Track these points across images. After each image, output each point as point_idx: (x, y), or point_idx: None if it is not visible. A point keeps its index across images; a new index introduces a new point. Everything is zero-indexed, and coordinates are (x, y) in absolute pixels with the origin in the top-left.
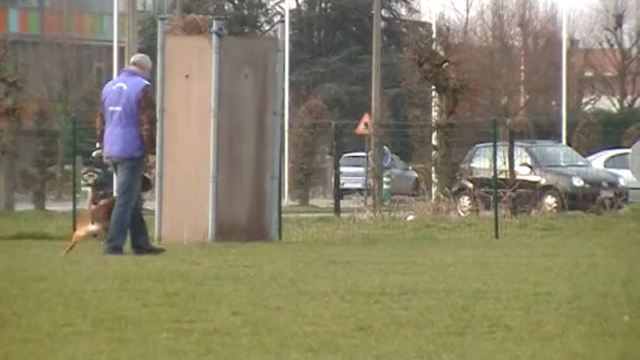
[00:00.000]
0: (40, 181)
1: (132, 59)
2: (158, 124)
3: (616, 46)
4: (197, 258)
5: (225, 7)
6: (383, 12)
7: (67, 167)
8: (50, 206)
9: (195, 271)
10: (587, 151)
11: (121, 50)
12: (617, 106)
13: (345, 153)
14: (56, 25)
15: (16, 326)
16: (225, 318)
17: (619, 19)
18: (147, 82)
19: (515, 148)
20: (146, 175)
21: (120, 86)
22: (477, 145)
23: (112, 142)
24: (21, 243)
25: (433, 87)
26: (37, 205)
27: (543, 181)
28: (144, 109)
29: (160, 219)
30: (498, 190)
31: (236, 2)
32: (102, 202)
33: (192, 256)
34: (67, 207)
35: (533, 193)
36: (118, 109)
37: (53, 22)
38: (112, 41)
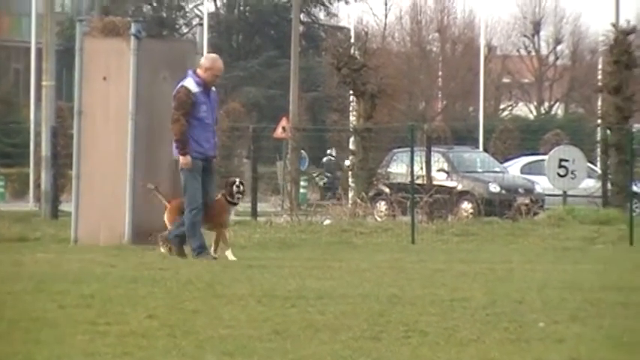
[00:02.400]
0: None
1: None
2: (75, 126)
3: (533, 53)
4: (114, 260)
5: (144, 10)
6: (302, 16)
7: None
8: None
9: (111, 273)
10: (503, 157)
11: (39, 51)
12: (534, 112)
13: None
14: None
15: None
16: (141, 320)
17: (537, 26)
18: (182, 83)
19: (432, 153)
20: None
21: None
22: (395, 150)
23: None
24: None
25: (351, 91)
26: None
27: (460, 187)
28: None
29: (76, 220)
30: (415, 196)
31: (155, 5)
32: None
33: (108, 258)
34: None
35: (449, 198)
36: None
37: None
38: (29, 42)
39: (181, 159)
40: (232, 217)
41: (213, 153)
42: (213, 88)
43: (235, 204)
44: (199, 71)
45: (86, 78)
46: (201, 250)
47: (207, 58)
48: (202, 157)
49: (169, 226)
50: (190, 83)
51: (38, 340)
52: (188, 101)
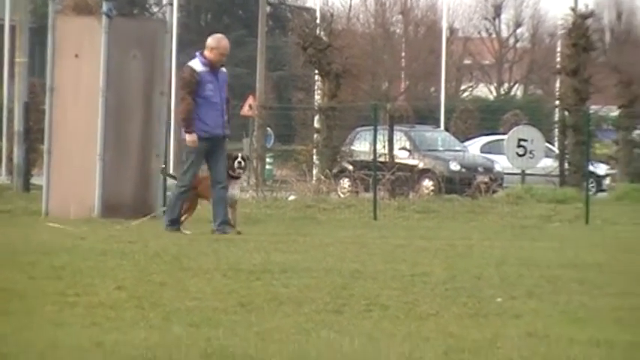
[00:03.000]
0: None
1: None
2: (47, 102)
3: (494, 36)
4: (83, 233)
5: None
6: None
7: None
8: None
9: (81, 246)
10: (464, 136)
11: (12, 29)
12: (494, 93)
13: None
14: None
15: None
16: (110, 292)
17: (497, 9)
18: (188, 63)
19: (394, 132)
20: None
21: None
22: (358, 129)
23: None
24: None
25: (316, 71)
26: None
27: (421, 165)
28: None
29: (47, 194)
30: (378, 173)
31: None
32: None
33: (78, 230)
34: None
35: (411, 176)
36: None
37: None
38: (3, 20)
39: (187, 137)
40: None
41: (221, 132)
42: (223, 69)
43: (237, 177)
44: (205, 51)
45: (58, 55)
46: (172, 224)
47: (213, 38)
48: (208, 135)
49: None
50: (196, 63)
51: (7, 311)
52: (193, 80)
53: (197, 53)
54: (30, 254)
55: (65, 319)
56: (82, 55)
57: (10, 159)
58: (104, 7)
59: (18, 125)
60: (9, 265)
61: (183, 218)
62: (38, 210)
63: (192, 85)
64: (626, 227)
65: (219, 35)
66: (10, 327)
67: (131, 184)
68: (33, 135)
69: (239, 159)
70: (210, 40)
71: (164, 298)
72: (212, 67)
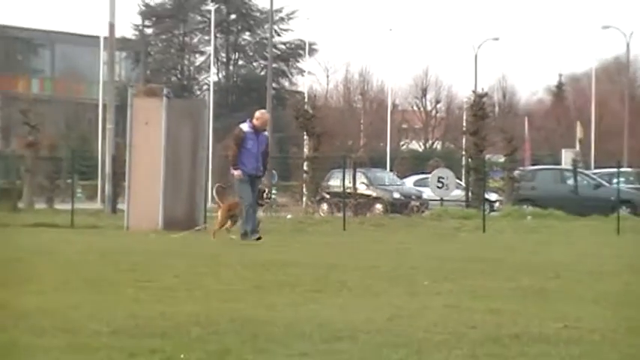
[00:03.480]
0: (50, 189)
1: None
2: (127, 154)
3: (422, 109)
4: (151, 240)
5: (172, 79)
6: (273, 84)
7: (68, 181)
8: (57, 205)
9: (150, 249)
10: (402, 175)
11: (104, 106)
12: (422, 147)
13: None
14: (62, 88)
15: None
16: (169, 279)
17: (424, 91)
18: (240, 125)
19: (357, 172)
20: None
21: None
22: (332, 170)
23: None
24: (38, 229)
25: (305, 133)
26: (48, 204)
27: (374, 194)
28: None
29: (128, 214)
30: (346, 200)
31: (179, 76)
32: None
33: (148, 238)
34: (68, 206)
35: (367, 202)
36: None
37: (60, 86)
38: (98, 100)
39: (235, 173)
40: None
41: (255, 172)
42: (265, 133)
43: (262, 205)
44: (253, 119)
45: (134, 123)
46: (247, 233)
47: (260, 112)
48: (246, 173)
49: (219, 219)
50: (244, 125)
51: (102, 292)
52: (240, 136)
53: (247, 120)
54: (115, 254)
55: (140, 297)
56: (150, 123)
57: (103, 191)
58: (164, 92)
59: (108, 169)
60: (101, 262)
61: (226, 227)
62: (122, 225)
63: (238, 140)
64: (510, 235)
65: (263, 110)
66: (104, 302)
67: (182, 208)
68: (118, 176)
69: (266, 192)
70: (257, 113)
71: (205, 284)
72: (255, 130)
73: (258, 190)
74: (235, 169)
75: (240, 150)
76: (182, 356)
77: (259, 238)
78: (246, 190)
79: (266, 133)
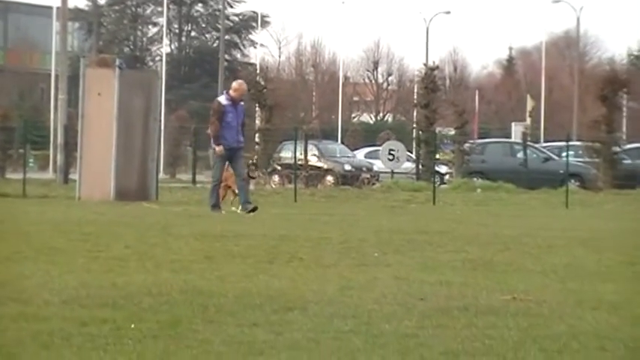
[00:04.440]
0: (2, 159)
1: None
2: (79, 124)
3: (374, 81)
4: (103, 210)
5: (125, 50)
6: (226, 56)
7: (20, 151)
8: (9, 175)
9: (101, 219)
10: (354, 147)
11: (57, 76)
12: (373, 119)
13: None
14: (15, 58)
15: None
16: (120, 250)
17: (375, 64)
18: (217, 98)
19: (308, 144)
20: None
21: None
22: (284, 142)
23: None
24: None
25: (257, 104)
26: (0, 174)
27: (325, 166)
28: None
29: (79, 184)
30: (297, 171)
31: (132, 47)
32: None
33: (100, 209)
34: (19, 176)
35: (318, 174)
36: None
37: (13, 56)
38: (50, 70)
39: (217, 149)
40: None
41: (236, 145)
42: (242, 103)
43: (254, 177)
44: (230, 91)
45: (87, 94)
46: (214, 207)
47: (237, 82)
48: (227, 147)
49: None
50: (222, 99)
51: (54, 262)
52: (220, 110)
53: (224, 91)
54: (67, 224)
55: (91, 267)
56: (103, 93)
57: (55, 162)
58: (117, 62)
59: (60, 139)
60: (53, 232)
61: (231, 200)
62: (73, 196)
63: (219, 114)
64: (460, 207)
65: (240, 81)
66: (56, 272)
67: (134, 178)
68: (70, 146)
69: (253, 164)
70: (235, 84)
71: (156, 254)
72: (233, 102)
73: (247, 165)
74: (217, 144)
75: (220, 124)
76: (133, 326)
77: (255, 209)
78: (221, 167)
79: (242, 103)
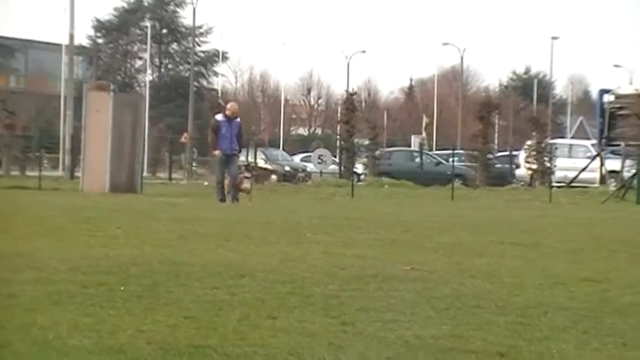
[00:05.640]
0: (23, 160)
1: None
2: (82, 134)
3: (307, 103)
4: (100, 200)
5: (117, 78)
6: (194, 83)
7: (37, 154)
8: (28, 173)
9: (99, 206)
10: (292, 153)
11: (65, 97)
12: (307, 132)
13: (178, 153)
14: (33, 84)
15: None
16: (113, 230)
17: (309, 90)
18: (215, 116)
19: (257, 150)
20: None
21: None
22: None
23: None
24: (13, 191)
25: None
26: (21, 172)
27: (271, 168)
28: None
29: (82, 180)
30: (249, 173)
31: (122, 76)
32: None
33: (98, 198)
34: (36, 173)
35: (265, 173)
36: None
37: (32, 82)
38: (60, 92)
39: (215, 153)
40: (159, 181)
41: (230, 151)
42: (237, 119)
43: (249, 177)
44: (226, 111)
45: (88, 111)
46: (221, 200)
47: (230, 104)
48: (223, 152)
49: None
50: (219, 116)
51: (60, 238)
52: (216, 125)
53: (222, 111)
54: (72, 210)
55: (91, 243)
56: (100, 111)
57: (63, 163)
58: (111, 87)
59: (68, 145)
60: (62, 216)
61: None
62: (77, 189)
63: (215, 128)
64: (372, 199)
65: (232, 102)
66: (63, 246)
67: (124, 175)
68: (75, 151)
69: (248, 166)
70: (228, 105)
71: (140, 233)
72: (227, 118)
73: (239, 167)
74: (215, 149)
75: (217, 135)
76: (122, 289)
77: (236, 199)
78: (221, 169)
79: (238, 119)
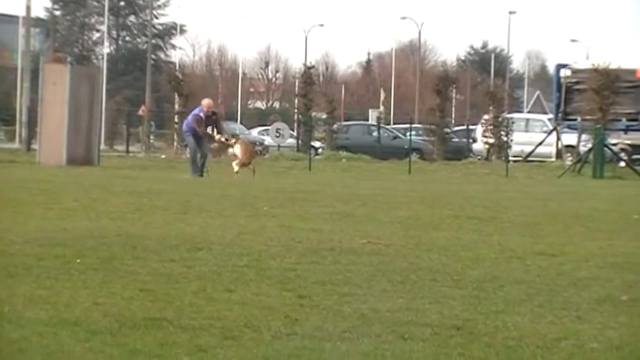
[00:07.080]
0: None
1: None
2: (39, 106)
3: (265, 76)
4: (57, 172)
5: (75, 50)
6: (152, 56)
7: None
8: None
9: (56, 179)
10: (250, 126)
11: (22, 70)
12: (265, 105)
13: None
14: None
15: None
16: (70, 202)
17: (267, 63)
18: (195, 111)
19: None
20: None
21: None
22: None
23: None
24: None
25: (176, 93)
26: None
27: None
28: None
29: (39, 153)
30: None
31: (80, 49)
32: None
33: (54, 171)
34: None
35: (222, 146)
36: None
37: None
38: (17, 64)
39: (204, 132)
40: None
41: (202, 134)
42: (215, 110)
43: (229, 146)
44: (202, 107)
45: (45, 83)
46: (194, 174)
47: (204, 100)
48: (196, 135)
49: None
50: (198, 110)
51: (15, 212)
52: (199, 119)
53: (199, 107)
54: (29, 182)
55: (47, 216)
56: (57, 83)
57: (20, 135)
58: (68, 60)
59: (25, 118)
60: (17, 189)
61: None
62: (34, 161)
63: (199, 123)
64: (329, 173)
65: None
66: (20, 219)
67: (81, 148)
68: (32, 123)
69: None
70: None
71: (97, 206)
72: (205, 112)
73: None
74: (203, 133)
75: (199, 125)
76: (78, 261)
77: (201, 175)
78: (194, 144)
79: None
